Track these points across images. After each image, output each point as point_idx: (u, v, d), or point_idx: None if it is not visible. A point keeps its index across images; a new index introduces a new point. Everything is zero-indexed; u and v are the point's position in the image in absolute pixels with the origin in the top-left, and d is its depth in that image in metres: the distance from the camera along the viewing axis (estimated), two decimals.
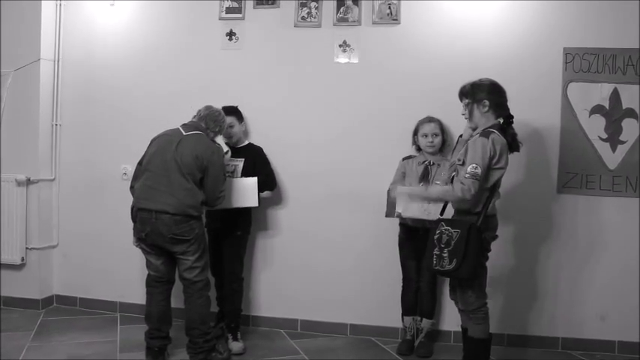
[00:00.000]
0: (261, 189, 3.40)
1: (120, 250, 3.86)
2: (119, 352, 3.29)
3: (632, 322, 3.37)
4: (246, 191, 3.31)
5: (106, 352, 3.26)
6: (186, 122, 3.16)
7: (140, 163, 3.13)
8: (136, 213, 3.02)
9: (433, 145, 3.32)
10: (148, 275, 3.13)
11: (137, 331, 3.36)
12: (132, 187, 3.14)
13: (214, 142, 3.19)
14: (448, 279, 3.06)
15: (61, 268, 4.09)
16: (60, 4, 4.01)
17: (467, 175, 2.61)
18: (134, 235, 3.09)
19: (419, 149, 3.43)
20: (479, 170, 2.61)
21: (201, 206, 3.05)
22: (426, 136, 3.35)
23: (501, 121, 2.75)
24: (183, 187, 2.96)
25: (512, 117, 2.78)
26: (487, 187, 2.69)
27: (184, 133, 3.07)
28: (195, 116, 3.20)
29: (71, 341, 3.41)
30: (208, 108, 3.20)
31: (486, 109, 2.74)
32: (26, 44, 3.92)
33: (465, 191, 2.61)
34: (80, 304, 4.05)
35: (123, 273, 3.92)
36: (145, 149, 3.14)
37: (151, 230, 2.96)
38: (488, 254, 2.78)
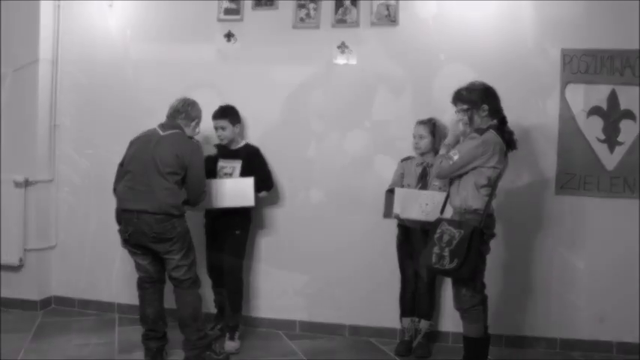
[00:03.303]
0: (258, 189, 3.40)
1: (118, 252, 3.81)
2: (117, 353, 3.28)
3: (630, 324, 3.37)
4: (242, 191, 3.32)
5: (105, 354, 3.26)
6: (163, 122, 3.16)
7: (121, 165, 3.15)
8: (120, 214, 3.04)
9: (418, 147, 3.36)
10: (139, 277, 3.14)
11: (135, 332, 3.35)
12: (115, 190, 3.14)
13: (192, 138, 3.18)
14: (444, 278, 3.07)
15: (60, 270, 4.08)
16: (58, 5, 4.00)
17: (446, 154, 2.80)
18: (120, 237, 3.09)
19: None
20: (455, 157, 2.72)
21: (183, 206, 3.05)
22: (414, 137, 3.37)
23: (495, 121, 2.77)
24: (163, 187, 2.97)
25: (505, 117, 2.81)
26: (486, 184, 2.70)
27: (162, 133, 3.07)
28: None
29: (69, 343, 3.41)
30: (175, 101, 3.17)
31: (486, 113, 2.78)
32: (24, 45, 3.91)
33: (436, 166, 2.91)
34: (78, 305, 4.05)
35: (121, 274, 3.90)
36: (125, 151, 3.15)
37: (134, 230, 2.98)
38: (486, 255, 2.79)
